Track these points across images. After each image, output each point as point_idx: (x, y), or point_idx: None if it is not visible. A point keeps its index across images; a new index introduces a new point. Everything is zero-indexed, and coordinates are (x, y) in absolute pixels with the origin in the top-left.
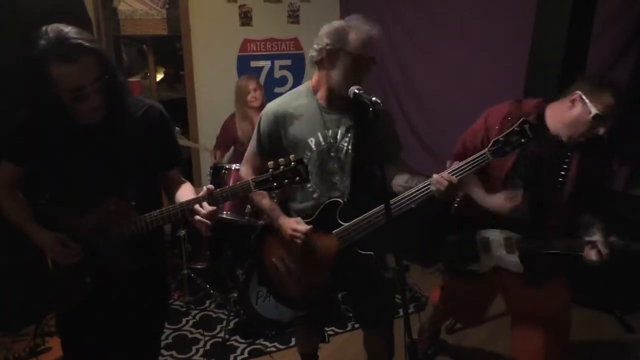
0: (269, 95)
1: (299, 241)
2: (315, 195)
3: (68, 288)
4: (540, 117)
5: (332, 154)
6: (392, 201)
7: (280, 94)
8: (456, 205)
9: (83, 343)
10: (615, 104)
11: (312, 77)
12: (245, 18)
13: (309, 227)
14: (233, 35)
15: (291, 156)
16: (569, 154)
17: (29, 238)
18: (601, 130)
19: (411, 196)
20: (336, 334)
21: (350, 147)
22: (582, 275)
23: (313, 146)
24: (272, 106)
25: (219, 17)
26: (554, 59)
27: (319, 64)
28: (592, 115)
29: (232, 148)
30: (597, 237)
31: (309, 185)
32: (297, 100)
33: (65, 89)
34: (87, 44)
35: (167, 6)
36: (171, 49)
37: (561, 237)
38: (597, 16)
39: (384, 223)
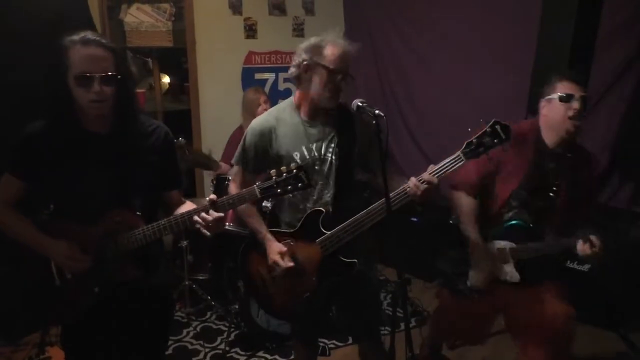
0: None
1: (275, 274)
2: (301, 207)
3: (75, 299)
4: (538, 134)
5: (316, 167)
6: (372, 207)
7: None
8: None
9: (88, 357)
10: (569, 81)
11: (295, 94)
12: (250, 31)
13: (289, 265)
14: (238, 48)
15: (292, 164)
16: (563, 167)
17: (35, 250)
18: (571, 111)
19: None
20: (337, 347)
21: (334, 157)
22: (586, 292)
23: (298, 160)
24: (257, 122)
25: (224, 30)
26: (558, 74)
27: (298, 79)
28: (557, 99)
29: None
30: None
31: (294, 198)
32: (282, 115)
33: (75, 71)
34: (105, 42)
35: (173, 18)
36: (176, 60)
37: (553, 241)
38: (601, 32)
39: (365, 230)
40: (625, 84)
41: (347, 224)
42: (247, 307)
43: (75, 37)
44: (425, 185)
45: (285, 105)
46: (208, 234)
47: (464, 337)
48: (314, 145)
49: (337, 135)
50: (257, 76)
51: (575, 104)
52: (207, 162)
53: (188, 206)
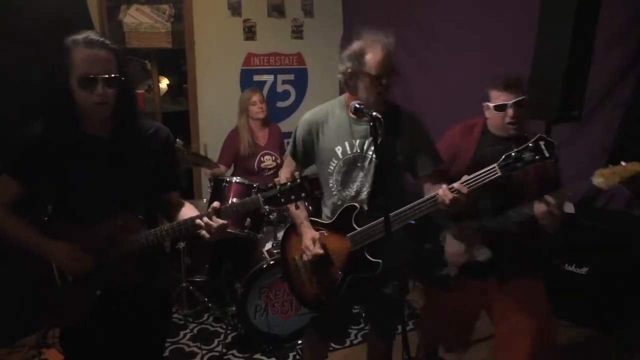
0: (272, 110)
1: (305, 258)
2: (339, 203)
3: (76, 301)
4: (485, 126)
5: (358, 163)
6: (398, 212)
7: (283, 108)
8: None
9: (87, 358)
10: (501, 90)
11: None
12: (250, 32)
13: (319, 251)
14: (237, 49)
15: (296, 173)
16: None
17: (35, 252)
18: (508, 118)
19: (417, 207)
20: (334, 349)
21: (375, 156)
22: (583, 295)
23: (340, 154)
24: (308, 114)
25: (223, 31)
26: (556, 76)
27: (345, 84)
28: (490, 106)
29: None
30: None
31: (333, 192)
32: (332, 110)
33: (79, 73)
34: (108, 43)
35: (172, 20)
36: (175, 61)
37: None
38: (600, 35)
39: (393, 231)
40: (624, 87)
41: (376, 223)
42: (245, 309)
43: (78, 38)
44: (455, 194)
45: (336, 101)
46: (209, 238)
47: (448, 338)
48: (357, 141)
49: (382, 134)
50: (256, 78)
51: (510, 112)
52: (204, 162)
53: (188, 208)
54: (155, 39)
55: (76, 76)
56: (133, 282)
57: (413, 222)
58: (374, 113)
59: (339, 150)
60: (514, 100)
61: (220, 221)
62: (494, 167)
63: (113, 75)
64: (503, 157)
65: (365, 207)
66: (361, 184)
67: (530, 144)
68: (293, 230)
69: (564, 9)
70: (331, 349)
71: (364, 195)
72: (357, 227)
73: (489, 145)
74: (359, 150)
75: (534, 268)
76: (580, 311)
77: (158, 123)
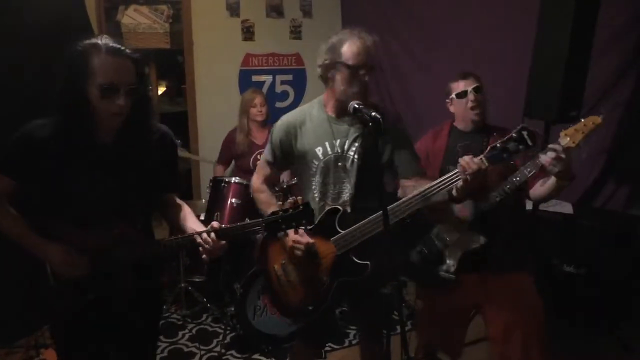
0: (270, 110)
1: (299, 253)
2: (321, 204)
3: (68, 300)
4: (452, 125)
5: (339, 164)
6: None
7: (281, 108)
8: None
9: (78, 356)
10: (459, 80)
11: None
12: (248, 33)
13: (309, 240)
14: (235, 50)
15: (299, 197)
16: (483, 142)
17: (28, 250)
18: (470, 103)
19: (407, 203)
20: (333, 349)
21: (356, 157)
22: (581, 295)
23: (320, 155)
24: (285, 117)
25: (222, 32)
26: (555, 77)
27: (323, 79)
28: (453, 96)
29: (232, 162)
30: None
31: (315, 194)
32: (310, 111)
33: (100, 82)
34: (129, 52)
35: (170, 20)
36: (173, 62)
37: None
38: (599, 35)
39: (378, 232)
40: (623, 87)
41: (361, 225)
42: (244, 310)
43: (99, 43)
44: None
45: (315, 102)
46: (206, 256)
47: (444, 343)
48: (338, 141)
49: (362, 134)
50: (255, 78)
51: (471, 96)
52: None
53: (190, 212)
54: (154, 39)
55: (97, 84)
56: (126, 286)
57: (410, 220)
58: (373, 113)
59: (319, 151)
60: (473, 86)
61: (220, 243)
62: (481, 159)
63: (134, 87)
64: (489, 148)
65: (349, 209)
66: (343, 185)
67: (513, 134)
68: (269, 239)
69: (563, 9)
70: (330, 349)
71: (346, 196)
72: (340, 231)
73: (458, 141)
74: (339, 151)
75: (526, 262)
76: (579, 311)
77: (163, 127)
